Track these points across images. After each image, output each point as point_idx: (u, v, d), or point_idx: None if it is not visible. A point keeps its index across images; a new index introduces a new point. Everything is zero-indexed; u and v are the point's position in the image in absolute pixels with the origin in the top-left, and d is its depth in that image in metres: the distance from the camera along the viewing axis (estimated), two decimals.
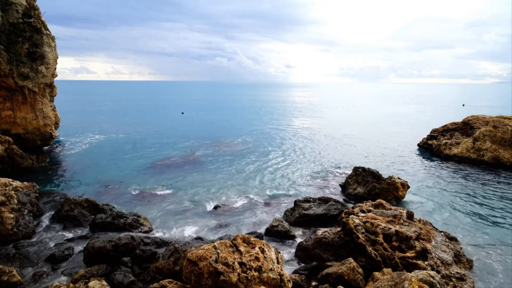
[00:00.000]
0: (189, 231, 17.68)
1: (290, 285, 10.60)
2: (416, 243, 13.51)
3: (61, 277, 13.40)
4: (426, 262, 12.73)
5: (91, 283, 11.51)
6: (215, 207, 20.75)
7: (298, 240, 16.70)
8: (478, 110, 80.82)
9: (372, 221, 14.58)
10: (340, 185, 25.24)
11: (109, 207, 20.32)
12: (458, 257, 14.17)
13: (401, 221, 15.21)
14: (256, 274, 10.08)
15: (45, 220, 18.58)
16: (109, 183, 25.27)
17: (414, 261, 12.72)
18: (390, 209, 16.77)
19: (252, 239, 11.35)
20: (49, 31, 31.91)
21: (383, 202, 17.50)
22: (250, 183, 25.78)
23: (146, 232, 17.58)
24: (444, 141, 34.20)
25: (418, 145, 38.64)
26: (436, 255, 13.32)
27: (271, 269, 10.38)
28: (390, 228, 14.13)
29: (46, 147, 35.18)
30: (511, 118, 31.01)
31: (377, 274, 11.77)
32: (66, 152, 35.29)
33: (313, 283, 12.55)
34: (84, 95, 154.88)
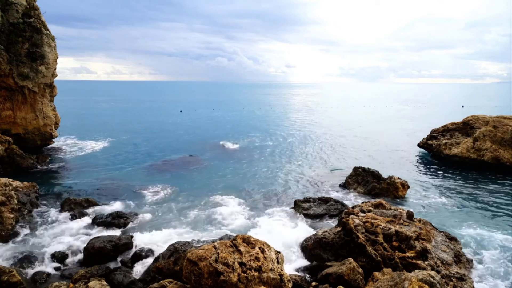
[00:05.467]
0: (189, 231, 17.67)
1: (290, 285, 10.61)
2: (416, 243, 13.51)
3: (61, 277, 13.40)
4: (426, 262, 12.73)
5: (91, 283, 11.52)
6: (215, 207, 20.75)
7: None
8: (478, 110, 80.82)
9: (372, 221, 14.58)
10: (340, 185, 25.25)
11: (109, 207, 20.36)
12: (458, 257, 14.17)
13: (401, 221, 15.21)
14: (256, 274, 10.09)
15: (45, 220, 18.56)
16: (109, 183, 25.27)
17: (414, 261, 12.73)
18: (390, 209, 16.78)
19: (252, 239, 11.36)
20: (49, 31, 31.92)
21: (383, 202, 17.50)
22: (250, 183, 25.77)
23: (146, 232, 17.56)
24: (444, 141, 34.20)
25: (418, 145, 38.61)
26: (436, 255, 13.32)
27: (271, 269, 10.39)
28: (390, 228, 14.13)
29: (46, 147, 35.19)
30: (511, 118, 30.99)
31: (377, 274, 11.77)
32: (66, 152, 35.28)
33: (313, 283, 12.55)
34: (84, 95, 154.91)
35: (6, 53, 28.13)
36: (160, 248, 15.28)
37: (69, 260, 14.57)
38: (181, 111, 79.63)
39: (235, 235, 12.00)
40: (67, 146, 38.00)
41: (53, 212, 19.38)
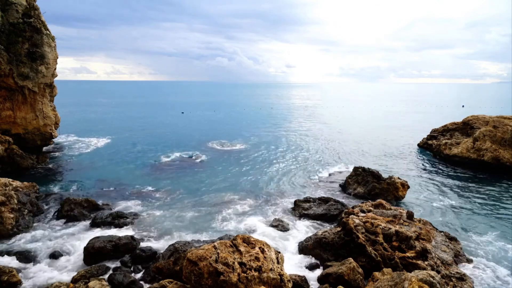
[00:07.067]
0: (189, 231, 17.68)
1: (290, 285, 10.60)
2: (416, 243, 13.51)
3: (61, 277, 13.39)
4: (426, 262, 12.73)
5: (91, 283, 11.52)
6: (216, 207, 20.74)
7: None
8: (478, 110, 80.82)
9: (372, 221, 14.59)
10: (340, 185, 25.24)
11: (109, 207, 20.36)
12: (458, 257, 14.18)
13: (401, 221, 15.21)
14: (256, 274, 10.08)
15: (45, 220, 18.58)
16: (109, 183, 25.27)
17: (414, 261, 12.73)
18: (390, 209, 16.78)
19: (252, 239, 11.35)
20: (49, 31, 31.90)
21: (383, 202, 17.51)
22: (250, 183, 25.77)
23: (146, 231, 17.57)
24: (444, 141, 34.20)
25: (418, 145, 38.66)
26: (436, 255, 13.32)
27: (271, 269, 10.38)
28: (390, 228, 14.13)
29: (46, 147, 35.18)
30: (511, 118, 31.00)
31: (377, 274, 11.77)
32: (66, 152, 35.28)
33: (313, 283, 12.55)
34: (84, 95, 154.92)
35: (6, 53, 28.13)
36: (160, 248, 15.29)
37: (69, 260, 14.56)
38: (182, 112, 79.66)
39: (235, 235, 12.00)
40: (67, 146, 38.00)
41: (53, 212, 19.37)
